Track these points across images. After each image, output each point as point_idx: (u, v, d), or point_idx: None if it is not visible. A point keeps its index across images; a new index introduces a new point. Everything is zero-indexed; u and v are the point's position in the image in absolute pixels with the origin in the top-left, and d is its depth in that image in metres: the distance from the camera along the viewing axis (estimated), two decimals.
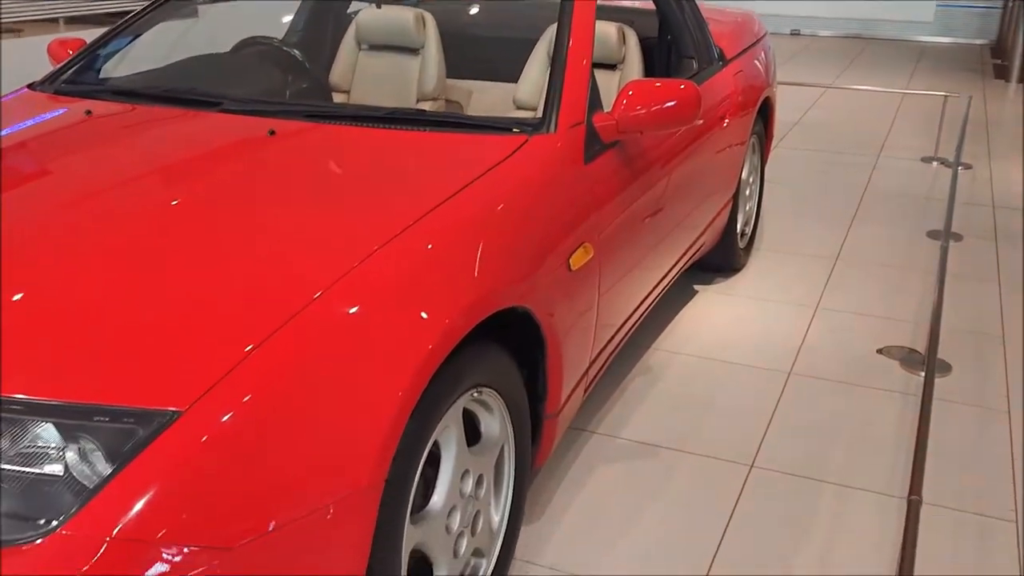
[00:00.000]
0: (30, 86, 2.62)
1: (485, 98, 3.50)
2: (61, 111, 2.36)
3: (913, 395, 2.96)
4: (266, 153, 2.07)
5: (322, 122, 2.23)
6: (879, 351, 3.27)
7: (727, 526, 2.31)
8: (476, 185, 1.92)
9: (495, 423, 1.91)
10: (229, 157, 2.04)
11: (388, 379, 1.52)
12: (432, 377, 1.59)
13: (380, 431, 1.48)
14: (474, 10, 3.93)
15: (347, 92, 3.23)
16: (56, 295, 1.58)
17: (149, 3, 2.88)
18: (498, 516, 1.98)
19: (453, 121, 2.28)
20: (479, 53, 3.56)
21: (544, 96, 2.28)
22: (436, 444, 1.72)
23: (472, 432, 1.87)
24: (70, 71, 2.66)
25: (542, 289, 1.94)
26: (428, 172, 2.02)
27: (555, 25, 2.52)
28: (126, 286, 1.59)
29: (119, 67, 2.78)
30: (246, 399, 1.39)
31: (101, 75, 2.71)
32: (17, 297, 1.57)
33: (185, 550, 1.28)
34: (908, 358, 3.21)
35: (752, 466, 2.57)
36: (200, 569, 1.29)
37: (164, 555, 1.27)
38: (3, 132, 2.19)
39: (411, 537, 1.64)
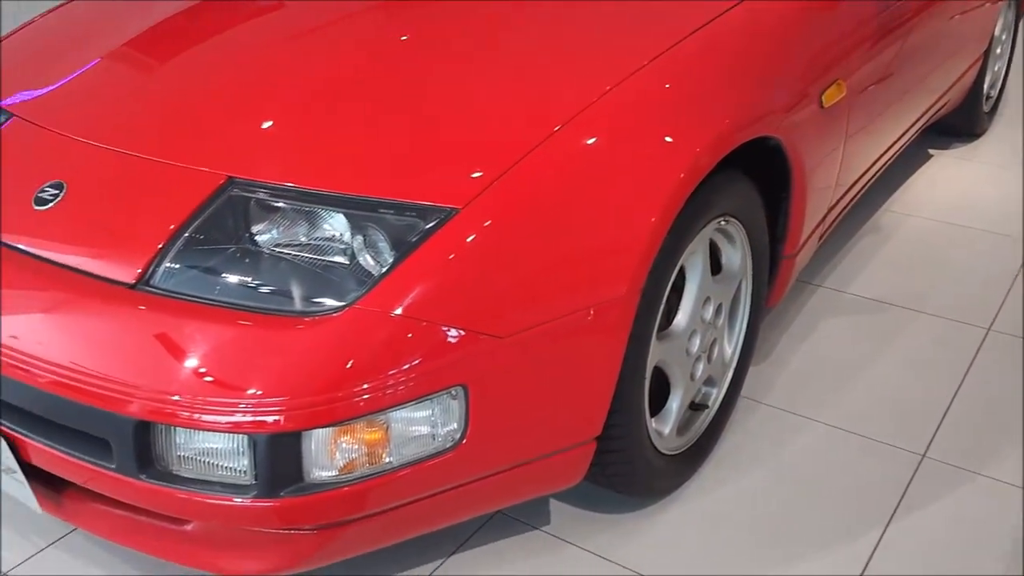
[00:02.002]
0: None
1: None
2: None
3: None
4: None
5: None
6: None
7: (958, 389, 2.24)
8: (733, 12, 1.87)
9: (736, 255, 1.91)
10: None
11: (645, 199, 1.55)
12: (685, 200, 1.60)
13: (638, 246, 1.53)
14: None
15: None
16: (344, 105, 1.69)
17: None
18: (731, 348, 2.01)
19: None
20: None
21: None
22: (681, 270, 1.75)
23: (713, 264, 1.88)
24: None
25: (794, 122, 1.90)
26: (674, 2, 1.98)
27: None
28: (400, 102, 1.68)
29: None
30: (516, 201, 1.46)
31: None
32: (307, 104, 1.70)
33: (461, 333, 1.38)
34: None
35: (989, 329, 2.47)
36: (475, 351, 1.39)
37: (444, 335, 1.37)
38: None
39: (655, 352, 1.69)
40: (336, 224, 1.48)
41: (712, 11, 1.86)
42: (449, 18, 1.96)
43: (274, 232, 1.50)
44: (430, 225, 1.43)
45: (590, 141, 1.55)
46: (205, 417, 1.34)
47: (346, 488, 1.40)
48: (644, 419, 1.70)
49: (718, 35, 1.80)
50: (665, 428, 1.81)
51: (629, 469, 1.71)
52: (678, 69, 1.71)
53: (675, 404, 1.83)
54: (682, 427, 1.88)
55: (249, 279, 1.45)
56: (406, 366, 1.36)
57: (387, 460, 1.41)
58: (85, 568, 1.75)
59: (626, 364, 1.57)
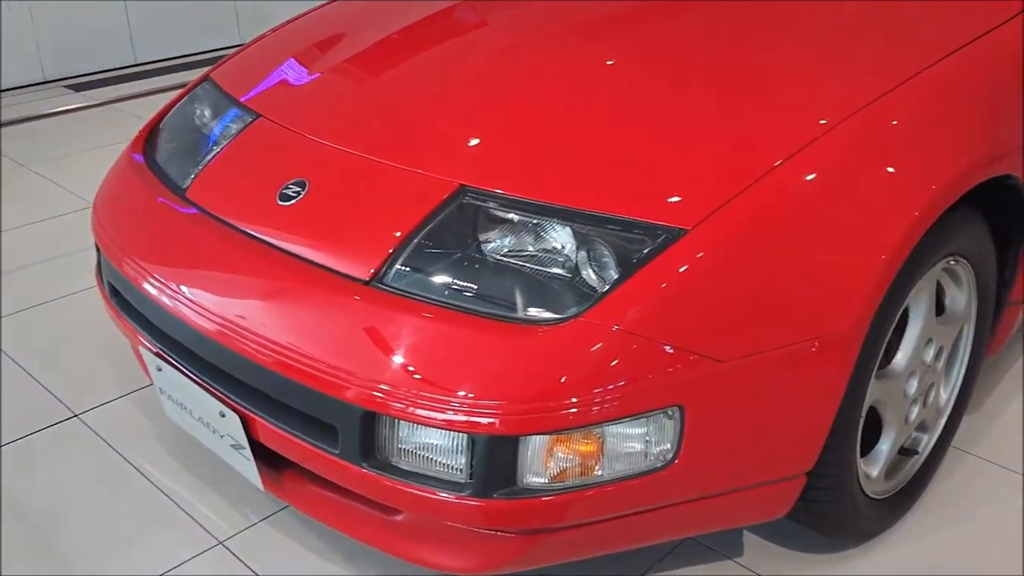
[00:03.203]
0: None
1: None
2: None
3: None
4: (740, 6, 2.07)
5: None
6: None
7: None
8: (980, 43, 1.79)
9: (962, 297, 1.83)
10: (702, 8, 2.06)
11: (878, 235, 1.51)
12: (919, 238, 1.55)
13: (868, 281, 1.49)
14: None
15: None
16: (572, 120, 1.72)
17: None
18: (946, 394, 1.92)
19: None
20: None
21: None
22: (905, 308, 1.69)
23: (937, 305, 1.80)
24: None
25: None
26: (928, 24, 1.91)
27: None
28: (627, 121, 1.70)
29: None
30: (745, 227, 1.45)
31: None
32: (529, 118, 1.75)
33: (683, 354, 1.38)
34: None
35: None
36: (695, 373, 1.39)
37: (665, 354, 1.37)
38: None
39: (872, 391, 1.64)
40: (562, 237, 1.51)
41: (949, 46, 1.79)
42: (660, 41, 1.97)
43: (500, 241, 1.54)
44: (657, 244, 1.43)
45: (821, 174, 1.52)
46: (426, 412, 1.39)
47: (555, 496, 1.42)
48: (855, 458, 1.65)
49: (957, 70, 1.73)
50: (873, 470, 1.75)
51: (834, 509, 1.66)
52: (916, 104, 1.65)
53: (886, 446, 1.76)
54: (890, 471, 1.81)
55: (474, 285, 1.50)
56: (625, 382, 1.37)
57: (597, 473, 1.42)
58: (292, 546, 1.84)
59: (844, 400, 1.53)
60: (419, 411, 1.39)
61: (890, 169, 1.57)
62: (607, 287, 1.43)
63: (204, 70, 2.35)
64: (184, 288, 1.68)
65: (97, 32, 4.80)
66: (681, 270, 1.41)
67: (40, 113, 3.77)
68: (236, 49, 2.40)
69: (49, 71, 4.69)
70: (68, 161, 3.76)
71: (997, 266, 1.89)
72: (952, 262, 1.74)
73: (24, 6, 4.52)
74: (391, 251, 1.54)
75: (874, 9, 2.02)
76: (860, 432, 1.64)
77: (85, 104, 4.05)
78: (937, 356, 1.82)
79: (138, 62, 4.97)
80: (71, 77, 4.76)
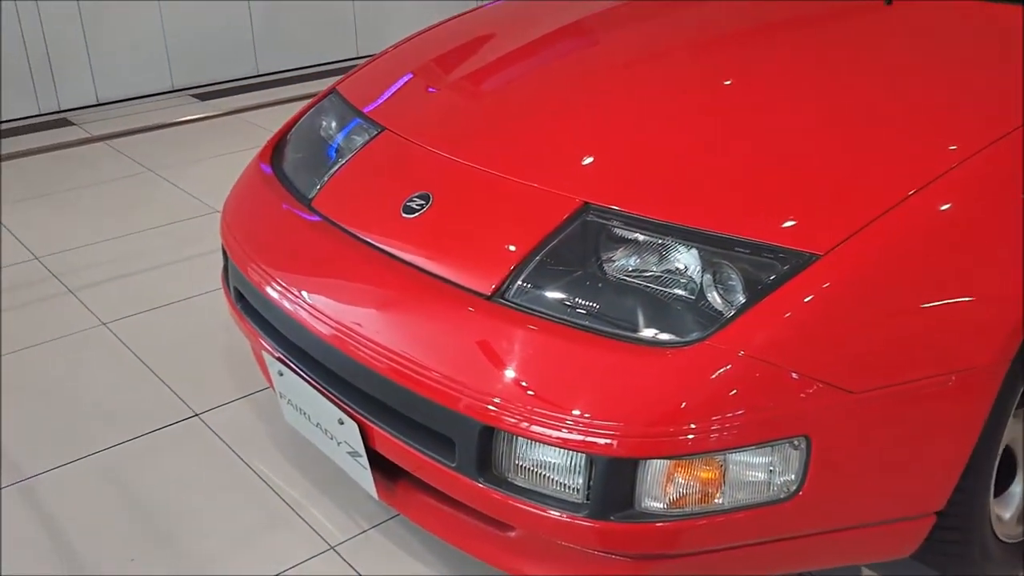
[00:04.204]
0: None
1: None
2: None
3: None
4: (880, 23, 2.01)
5: None
6: None
7: None
8: None
9: None
10: (842, 25, 2.01)
11: (1019, 268, 1.44)
12: None
13: (1011, 316, 1.42)
14: None
15: None
16: (696, 139, 1.71)
17: None
18: None
19: None
20: None
21: None
22: None
23: None
24: None
25: None
26: None
27: None
28: (750, 142, 1.66)
29: None
30: (878, 255, 1.40)
31: None
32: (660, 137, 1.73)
33: (811, 382, 1.34)
34: None
35: None
36: (823, 404, 1.34)
37: (792, 381, 1.34)
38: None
39: (1009, 430, 1.56)
40: (687, 259, 1.48)
41: None
42: (798, 58, 1.93)
43: (623, 260, 1.53)
44: (787, 268, 1.40)
45: (957, 204, 1.46)
46: (542, 429, 1.38)
47: (673, 522, 1.39)
48: (988, 500, 1.57)
49: None
50: (1006, 513, 1.67)
51: (964, 551, 1.59)
52: None
53: (1020, 488, 1.68)
54: None
55: (596, 304, 1.49)
56: (749, 409, 1.33)
57: (718, 501, 1.39)
58: (401, 556, 1.86)
59: (980, 439, 1.46)
60: (536, 428, 1.38)
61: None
62: (733, 311, 1.40)
63: (323, 81, 2.41)
64: (307, 295, 1.71)
65: (222, 43, 4.97)
66: (811, 297, 1.37)
67: (169, 121, 3.92)
68: (362, 62, 2.45)
69: (177, 81, 4.88)
70: (194, 167, 3.90)
71: None
72: None
73: (156, 18, 4.72)
74: (513, 267, 1.55)
75: (1006, 39, 1.94)
76: (995, 473, 1.56)
77: (210, 114, 4.20)
78: None
79: (260, 72, 5.13)
80: (198, 87, 4.94)
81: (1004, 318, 1.42)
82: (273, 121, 4.04)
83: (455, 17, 2.59)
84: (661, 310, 1.46)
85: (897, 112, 1.68)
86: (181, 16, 4.79)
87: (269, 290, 1.79)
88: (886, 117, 1.67)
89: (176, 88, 4.89)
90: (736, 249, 1.45)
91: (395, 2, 5.46)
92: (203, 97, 4.85)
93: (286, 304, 1.75)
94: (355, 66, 2.47)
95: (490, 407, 1.42)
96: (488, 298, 1.53)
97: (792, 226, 1.46)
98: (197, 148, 4.14)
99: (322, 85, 2.49)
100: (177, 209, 3.49)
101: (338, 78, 2.43)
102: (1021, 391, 1.53)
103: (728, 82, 1.89)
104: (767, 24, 2.10)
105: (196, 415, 2.30)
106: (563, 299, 1.50)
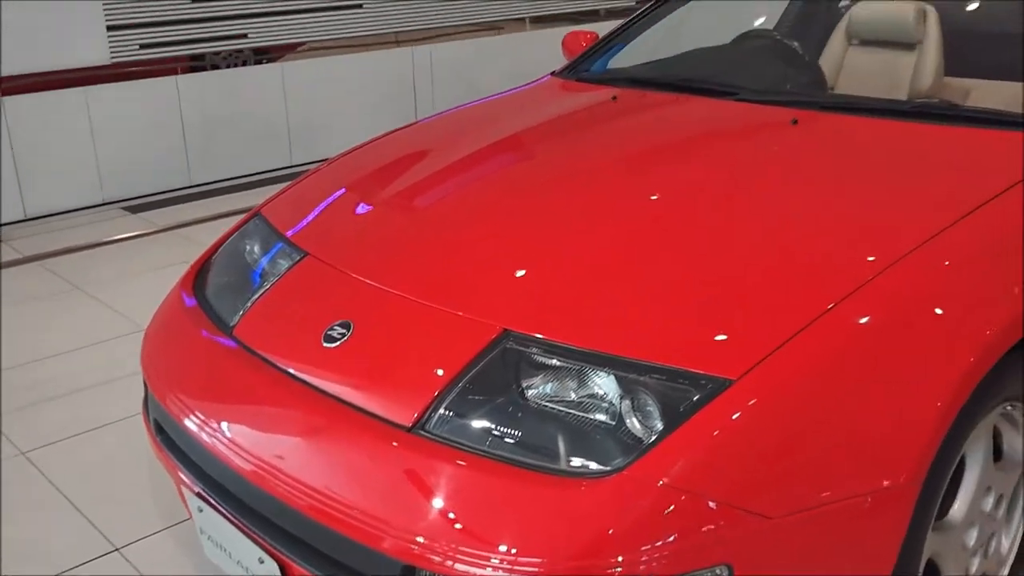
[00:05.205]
0: (553, 73, 2.87)
1: (985, 98, 3.24)
2: (590, 96, 2.57)
3: None
4: (788, 142, 2.10)
5: (841, 113, 2.22)
6: None
7: None
8: (1017, 189, 1.78)
9: (1020, 442, 1.77)
10: (753, 144, 2.09)
11: (931, 384, 1.48)
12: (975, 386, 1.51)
13: (923, 433, 1.45)
14: (978, 3, 3.65)
15: (832, 88, 3.16)
16: (615, 263, 1.73)
17: (649, 5, 3.04)
18: (1008, 543, 1.84)
19: (988, 117, 2.14)
20: (983, 49, 3.30)
21: None
22: (962, 457, 1.64)
23: (995, 451, 1.75)
24: (586, 61, 2.88)
25: None
26: (960, 172, 1.92)
27: None
28: (669, 265, 1.70)
29: (625, 57, 2.96)
30: (792, 377, 1.42)
31: (611, 64, 2.90)
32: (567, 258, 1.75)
33: (730, 510, 1.34)
34: None
35: None
36: (743, 531, 1.34)
37: (711, 511, 1.34)
38: (547, 111, 2.46)
39: (930, 545, 1.57)
40: (606, 385, 1.49)
41: (998, 182, 1.78)
42: (709, 178, 1.99)
43: (544, 387, 1.53)
44: (702, 395, 1.41)
45: (869, 320, 1.50)
46: (468, 568, 1.35)
47: None
48: None
49: (1008, 212, 1.72)
50: None
51: None
52: (964, 246, 1.63)
53: None
54: None
55: (518, 432, 1.48)
56: (671, 538, 1.33)
57: None
58: None
59: (901, 556, 1.47)
60: (460, 566, 1.36)
61: (940, 317, 1.54)
62: (653, 438, 1.41)
63: (256, 191, 2.41)
64: (226, 428, 1.68)
65: (154, 155, 4.97)
66: (727, 422, 1.38)
67: (99, 240, 3.88)
68: (286, 184, 2.46)
69: (108, 194, 4.85)
70: (124, 284, 3.85)
71: None
72: (1009, 407, 1.69)
73: (87, 131, 4.71)
74: (433, 397, 1.54)
75: (923, 146, 2.03)
76: None
77: (141, 232, 4.18)
78: (997, 504, 1.75)
79: (193, 183, 5.13)
80: (129, 199, 4.91)
81: (917, 434, 1.44)
82: (205, 234, 4.03)
83: (382, 136, 2.63)
84: (583, 438, 1.46)
85: (814, 224, 1.74)
86: (112, 128, 4.79)
87: (187, 423, 1.76)
88: (803, 229, 1.73)
89: (107, 201, 4.86)
90: (652, 375, 1.46)
91: (328, 112, 5.53)
92: (134, 210, 4.81)
93: (204, 437, 1.71)
94: (290, 175, 2.48)
95: (413, 546, 1.39)
96: (409, 430, 1.52)
97: (707, 350, 1.48)
98: (128, 263, 4.09)
99: (255, 195, 2.48)
100: (105, 328, 3.43)
101: (270, 193, 2.43)
102: (938, 505, 1.55)
103: (646, 202, 1.94)
104: (680, 146, 2.18)
105: (116, 549, 2.21)
106: (485, 429, 1.50)
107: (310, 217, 2.18)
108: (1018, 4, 3.58)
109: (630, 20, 3.00)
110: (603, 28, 3.20)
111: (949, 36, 3.04)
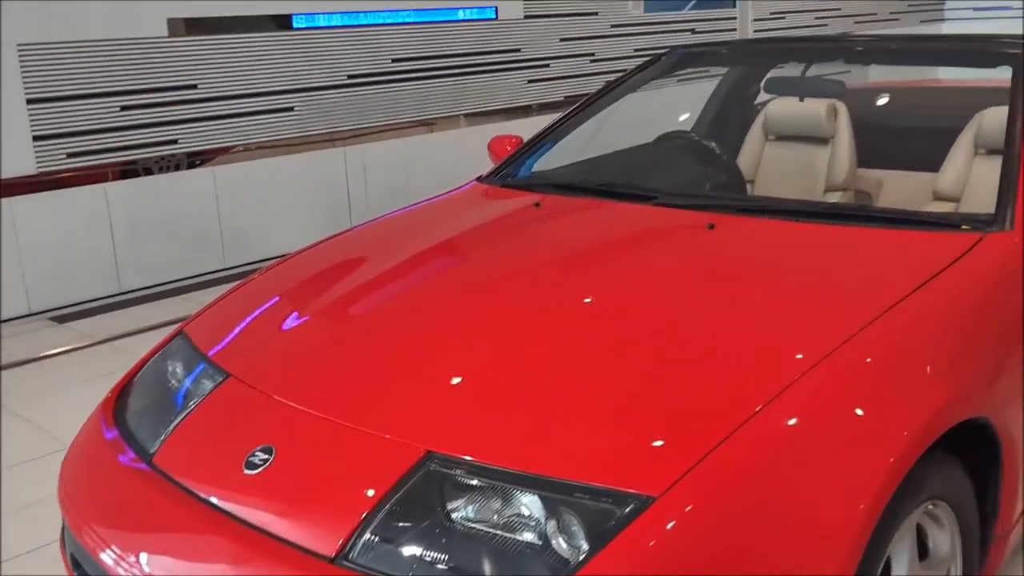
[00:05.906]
0: (479, 179, 2.91)
1: (897, 188, 3.37)
2: (514, 202, 2.61)
3: None
4: (707, 247, 2.14)
5: (757, 216, 2.28)
6: None
7: None
8: (930, 287, 1.84)
9: (945, 539, 1.79)
10: (673, 250, 2.14)
11: (854, 485, 1.50)
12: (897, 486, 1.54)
13: (848, 536, 1.47)
14: (886, 99, 3.82)
15: (751, 182, 3.25)
16: (537, 377, 1.73)
17: (570, 111, 3.12)
18: None
19: (898, 218, 2.22)
20: (891, 142, 3.45)
21: (997, 189, 2.15)
22: (887, 556, 1.65)
23: (920, 548, 1.76)
24: (511, 165, 2.93)
25: (1001, 399, 1.82)
26: (874, 272, 1.98)
27: (987, 111, 2.60)
28: (590, 377, 1.71)
29: (552, 157, 3.02)
30: (717, 488, 1.43)
31: (537, 166, 2.96)
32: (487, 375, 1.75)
33: None
34: None
35: None
36: None
37: None
38: (471, 220, 2.48)
39: None
40: (531, 505, 1.48)
41: (908, 283, 1.84)
42: (630, 285, 2.02)
43: (469, 509, 1.51)
44: (626, 512, 1.41)
45: (793, 423, 1.52)
46: None
47: None
48: None
49: (923, 310, 1.77)
50: None
51: None
52: (882, 345, 1.68)
53: None
54: None
55: (444, 556, 1.46)
56: None
57: None
58: None
59: None
60: None
61: (861, 418, 1.57)
62: (580, 558, 1.39)
63: (187, 297, 2.37)
64: (144, 563, 1.63)
65: (82, 263, 4.90)
66: (651, 539, 1.38)
67: (25, 358, 3.81)
68: (211, 300, 2.44)
69: (35, 304, 4.76)
70: (49, 399, 3.74)
71: (977, 503, 1.86)
72: (931, 506, 1.71)
73: (12, 240, 4.63)
74: (356, 525, 1.51)
75: (838, 245, 2.09)
76: None
77: (67, 348, 4.12)
78: None
79: (123, 290, 5.05)
80: (56, 308, 4.81)
81: (841, 537, 1.46)
82: (137, 344, 3.96)
83: (305, 249, 2.63)
84: (511, 560, 1.44)
85: (742, 325, 1.78)
86: (38, 238, 4.72)
87: (104, 557, 1.70)
88: (732, 332, 1.76)
89: (33, 312, 4.75)
90: (575, 495, 1.45)
91: (262, 213, 5.52)
92: (62, 320, 4.71)
93: (120, 572, 1.65)
94: (225, 279, 2.45)
95: None
96: (332, 560, 1.48)
97: (629, 466, 1.48)
98: (54, 377, 3.99)
99: (186, 303, 2.44)
100: (27, 448, 3.32)
101: (204, 298, 2.39)
102: None
103: (570, 312, 1.95)
104: (602, 253, 2.21)
105: None
106: (411, 555, 1.47)
107: (233, 334, 2.16)
108: (921, 98, 3.77)
109: (553, 124, 3.07)
110: (535, 123, 3.24)
111: (860, 130, 3.17)
